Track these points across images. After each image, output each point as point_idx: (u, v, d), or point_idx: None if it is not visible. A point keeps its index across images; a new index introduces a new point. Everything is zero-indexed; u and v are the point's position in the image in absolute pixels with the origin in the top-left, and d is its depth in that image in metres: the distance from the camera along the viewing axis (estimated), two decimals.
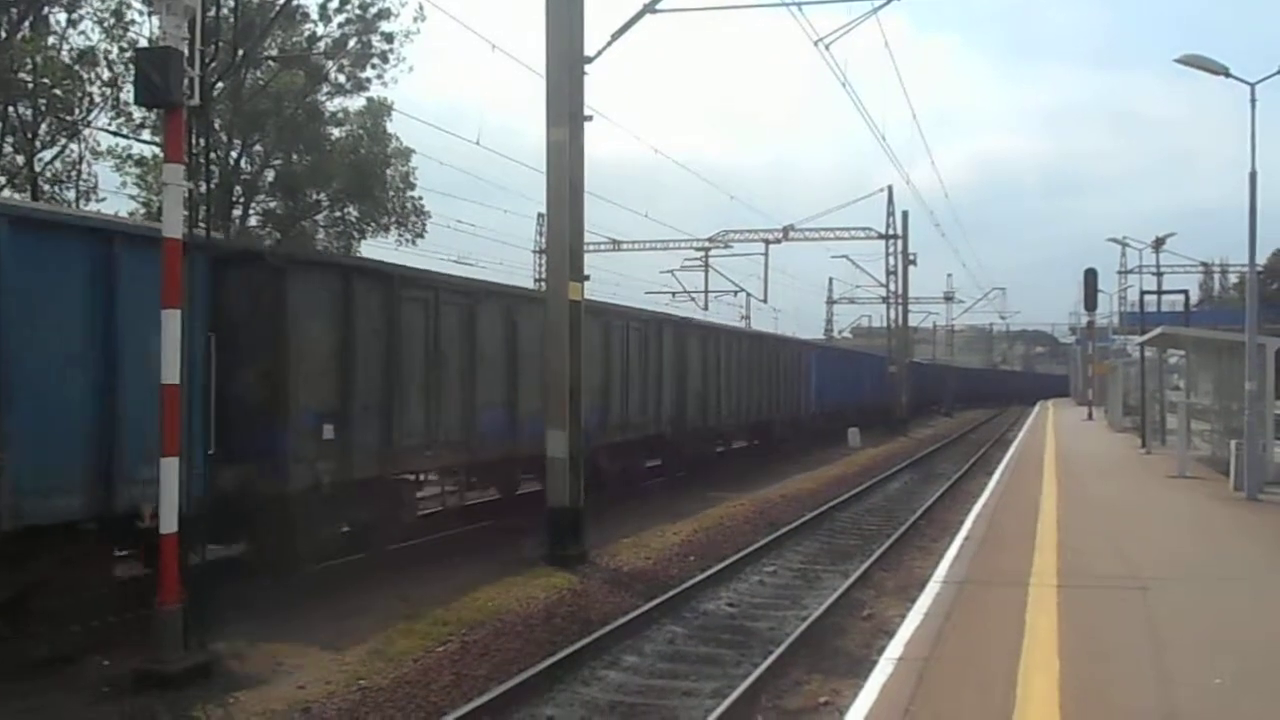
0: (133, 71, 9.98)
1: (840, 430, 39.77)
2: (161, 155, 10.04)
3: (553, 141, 15.06)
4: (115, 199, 29.45)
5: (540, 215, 42.15)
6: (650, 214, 58.49)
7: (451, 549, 14.82)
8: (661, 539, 16.84)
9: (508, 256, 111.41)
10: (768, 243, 52.00)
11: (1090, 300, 45.41)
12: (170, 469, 9.09)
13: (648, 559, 15.34)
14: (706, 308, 54.22)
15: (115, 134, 29.13)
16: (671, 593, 12.83)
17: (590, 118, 15.44)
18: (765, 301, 56.71)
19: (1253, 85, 17.73)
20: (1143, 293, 42.54)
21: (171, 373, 9.18)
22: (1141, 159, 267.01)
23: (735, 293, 57.60)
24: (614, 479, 20.42)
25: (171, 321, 9.19)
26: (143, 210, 29.14)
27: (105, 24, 28.43)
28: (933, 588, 10.77)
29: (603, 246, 49.02)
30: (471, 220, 67.20)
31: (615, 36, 15.77)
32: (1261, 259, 49.35)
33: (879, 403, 50.46)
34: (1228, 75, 18.01)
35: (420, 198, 35.57)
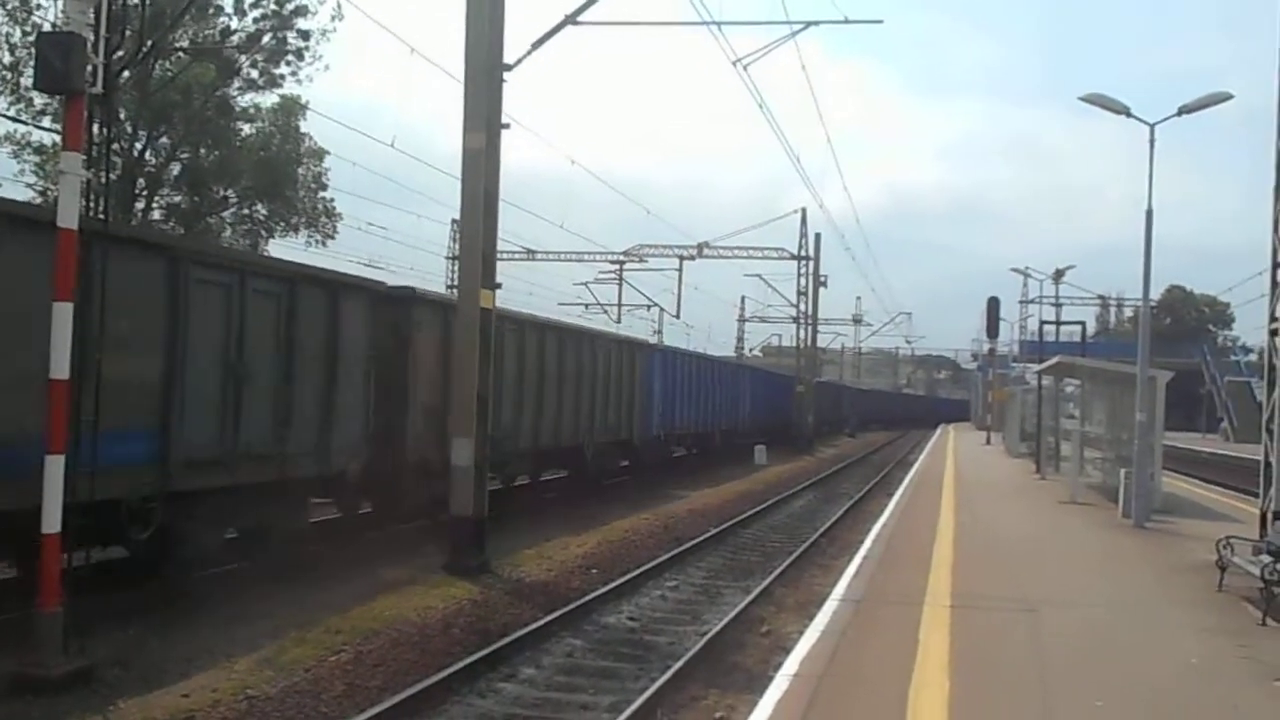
0: (34, 56, 9.64)
1: (747, 447, 40.17)
2: (61, 143, 9.70)
3: (469, 148, 14.94)
4: (11, 186, 28.48)
5: (454, 221, 41.77)
6: (566, 225, 58.39)
7: (349, 557, 14.56)
8: (565, 551, 16.77)
9: (419, 262, 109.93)
10: (682, 259, 52.24)
11: (992, 328, 46.57)
12: (55, 466, 8.78)
13: (550, 570, 15.26)
14: (619, 321, 54.27)
15: (14, 120, 28.23)
16: (572, 605, 12.77)
17: (508, 125, 15.37)
18: (678, 317, 56.95)
19: (1152, 126, 18.35)
20: (1042, 323, 43.86)
21: (61, 368, 8.88)
22: (1043, 192, 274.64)
23: (648, 307, 57.76)
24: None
25: (63, 314, 8.89)
26: (39, 198, 28.20)
27: (9, 6, 27.56)
28: (831, 605, 10.90)
29: (517, 255, 48.80)
30: (384, 224, 66.25)
31: (536, 46, 15.73)
32: (1155, 294, 51.24)
33: (785, 421, 51.06)
34: (1129, 115, 18.61)
35: (332, 199, 35.12)
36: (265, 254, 30.37)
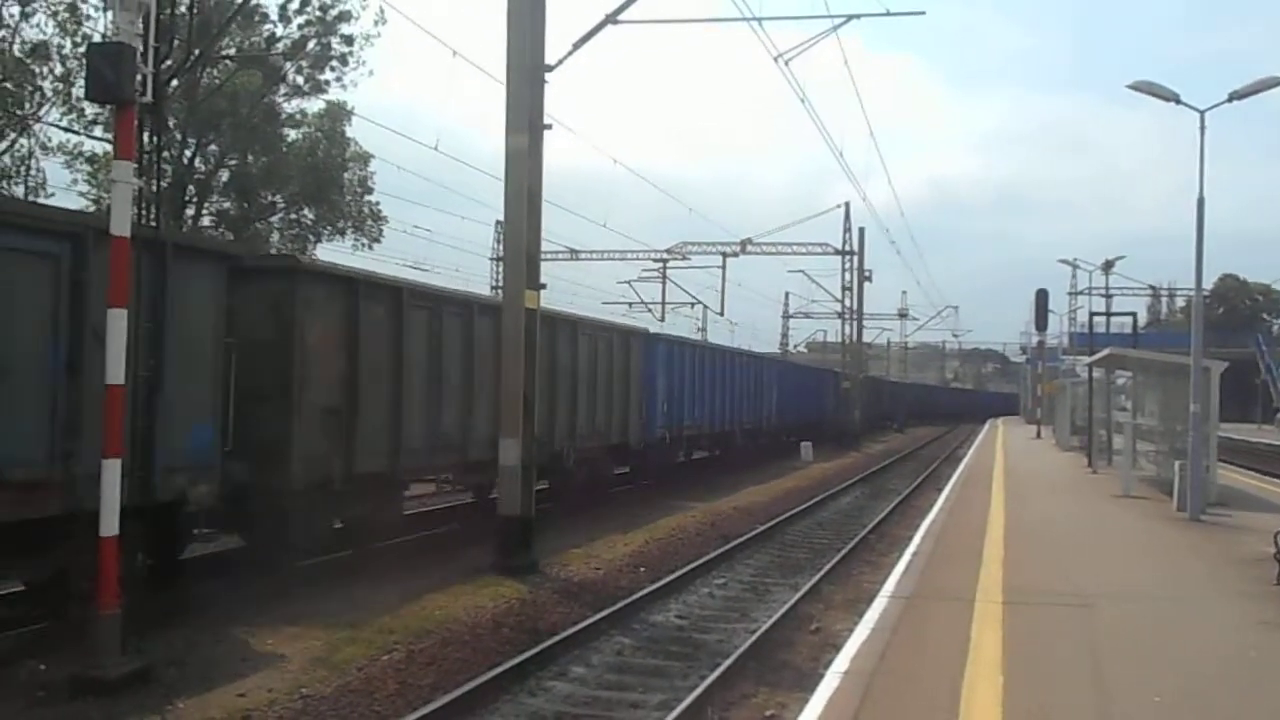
0: (85, 66, 9.81)
1: (794, 443, 40.02)
2: (112, 152, 9.85)
3: (512, 149, 15.02)
4: (65, 195, 29.02)
5: (498, 222, 42.06)
6: (608, 224, 58.33)
7: (400, 557, 14.69)
8: (612, 550, 16.80)
9: (464, 263, 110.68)
10: (725, 255, 52.13)
11: (1041, 320, 46.15)
12: (112, 470, 8.93)
13: (598, 569, 15.30)
14: (663, 319, 54.27)
15: (66, 130, 28.76)
16: (621, 604, 12.79)
17: (550, 126, 15.44)
18: (722, 314, 56.83)
19: (1202, 113, 18.04)
20: (1092, 314, 43.32)
21: (117, 373, 9.02)
22: (1085, 180, 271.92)
23: (692, 305, 57.72)
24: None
25: (117, 320, 9.03)
26: (92, 207, 28.71)
27: (59, 18, 28.06)
28: (880, 602, 10.82)
29: (561, 255, 49.01)
30: (428, 226, 66.77)
31: (576, 46, 15.77)
32: (1208, 283, 50.37)
33: (832, 417, 50.76)
34: (1178, 102, 18.31)
35: (378, 203, 35.44)
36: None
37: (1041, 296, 44.18)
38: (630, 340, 24.83)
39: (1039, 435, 50.88)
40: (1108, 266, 48.33)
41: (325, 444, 13.20)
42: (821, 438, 43.24)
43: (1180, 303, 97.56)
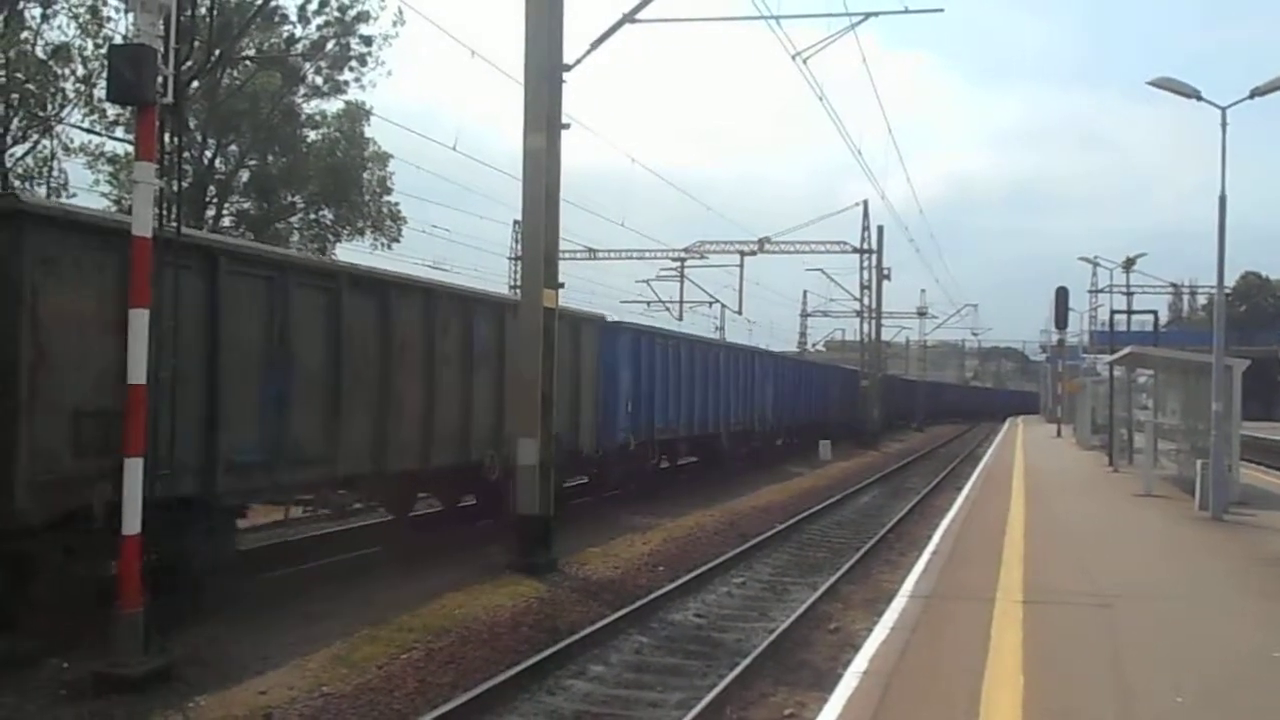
0: (106, 68, 9.87)
1: (793, 447, 39.85)
2: (134, 153, 9.91)
3: (530, 149, 15.04)
4: (87, 196, 29.23)
5: (516, 222, 42.07)
6: (626, 223, 58.47)
7: (419, 556, 14.73)
8: (631, 549, 16.81)
9: (482, 263, 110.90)
10: (743, 254, 52.05)
11: (1061, 318, 45.85)
12: (134, 469, 8.99)
13: (616, 568, 15.31)
14: (681, 318, 54.26)
15: (88, 131, 28.97)
16: (639, 603, 12.79)
17: (568, 125, 15.45)
18: (740, 313, 56.79)
19: (1224, 109, 17.93)
20: (1113, 312, 43.16)
21: (139, 373, 9.09)
22: (1108, 179, 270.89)
23: (710, 304, 57.67)
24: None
25: (139, 320, 9.09)
26: (114, 208, 28.90)
27: (80, 19, 28.26)
28: (899, 602, 10.79)
29: (579, 255, 49.02)
30: (447, 225, 67.00)
31: (594, 45, 15.79)
32: (1230, 281, 50.04)
33: (846, 417, 50.53)
34: (1199, 99, 18.19)
35: (397, 203, 35.54)
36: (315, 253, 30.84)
37: (1061, 294, 43.88)
38: (581, 328, 20.34)
39: (1059, 434, 50.61)
40: (1128, 265, 48.04)
41: (80, 461, 9.62)
42: (831, 438, 42.83)
43: (1202, 300, 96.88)
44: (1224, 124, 17.80)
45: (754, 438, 34.60)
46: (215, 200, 32.22)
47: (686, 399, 26.94)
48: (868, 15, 18.15)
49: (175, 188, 9.95)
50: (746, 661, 10.37)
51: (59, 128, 28.20)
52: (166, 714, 8.43)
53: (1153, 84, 18.56)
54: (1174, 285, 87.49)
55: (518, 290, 23.84)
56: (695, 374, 27.73)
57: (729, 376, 31.10)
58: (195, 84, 14.52)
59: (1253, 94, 18.01)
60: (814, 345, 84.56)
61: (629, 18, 15.97)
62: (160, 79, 9.16)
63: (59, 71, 27.62)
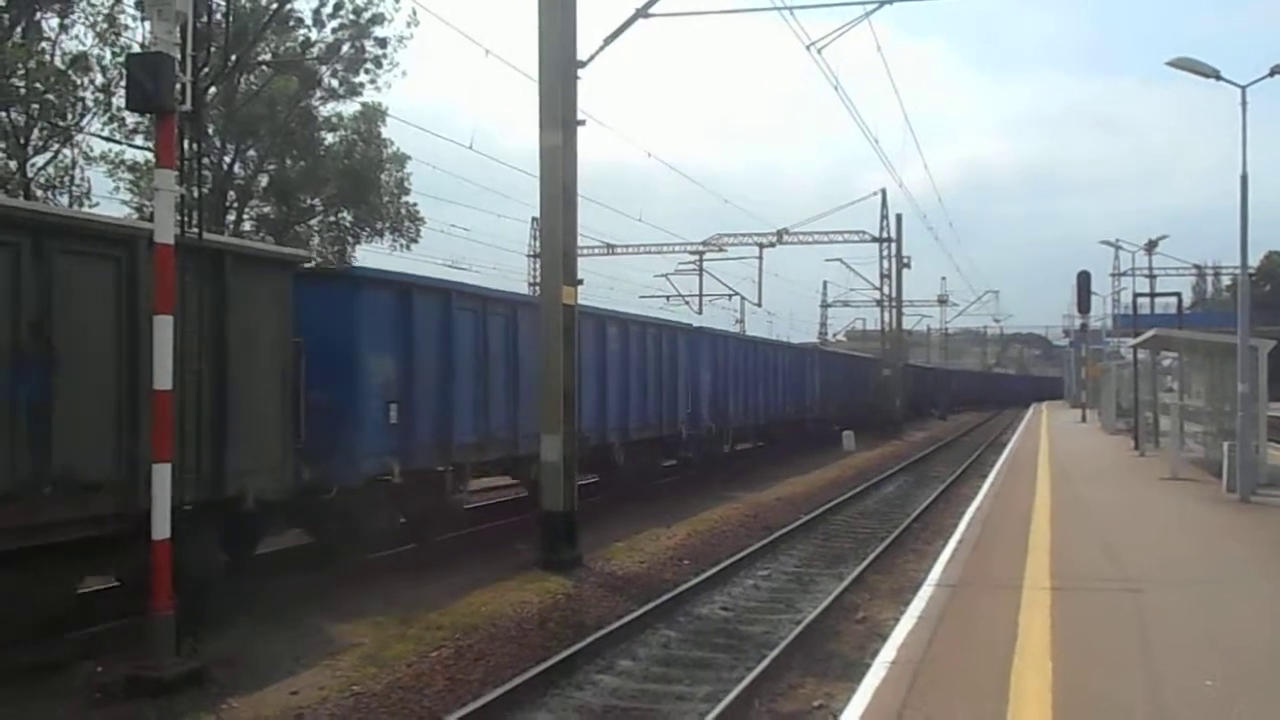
0: (125, 76, 9.94)
1: (837, 433, 39.84)
2: (154, 160, 9.99)
3: (546, 146, 15.06)
4: (108, 204, 29.43)
5: (534, 219, 42.16)
6: (644, 217, 58.28)
7: (445, 553, 14.81)
8: (655, 543, 16.84)
9: (501, 261, 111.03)
10: (761, 246, 52.06)
11: (1083, 303, 45.50)
12: (163, 475, 9.07)
13: (641, 563, 15.34)
14: (701, 311, 54.29)
15: (108, 139, 29.09)
16: (665, 597, 12.81)
17: (583, 122, 15.46)
18: (760, 305, 56.79)
19: (1243, 88, 17.78)
20: (1136, 295, 42.74)
21: (165, 379, 9.16)
22: (1123, 162, 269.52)
23: (729, 296, 57.69)
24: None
25: (164, 327, 9.17)
26: (135, 215, 29.10)
27: (98, 29, 28.34)
28: (926, 591, 10.78)
29: (597, 250, 49.08)
30: (464, 224, 67.14)
31: (608, 41, 15.78)
32: (1253, 261, 49.57)
33: (875, 406, 50.40)
34: (1218, 78, 18.06)
35: (415, 204, 35.62)
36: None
37: (1083, 279, 43.53)
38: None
39: (1084, 419, 50.34)
40: (1150, 247, 47.63)
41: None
42: (865, 426, 42.78)
43: (1226, 281, 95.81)
44: (1244, 103, 17.68)
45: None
46: (235, 205, 32.38)
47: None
48: (882, 3, 18.06)
49: (196, 194, 10.00)
50: (774, 653, 10.37)
51: (79, 137, 28.35)
52: (198, 716, 8.51)
53: (1172, 64, 18.44)
54: (1197, 267, 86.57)
55: (536, 288, 23.86)
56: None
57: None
58: (213, 90, 14.62)
59: (1273, 71, 17.86)
60: (835, 335, 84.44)
61: (642, 13, 15.96)
62: (178, 86, 9.22)
63: (78, 81, 27.73)
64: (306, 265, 14.26)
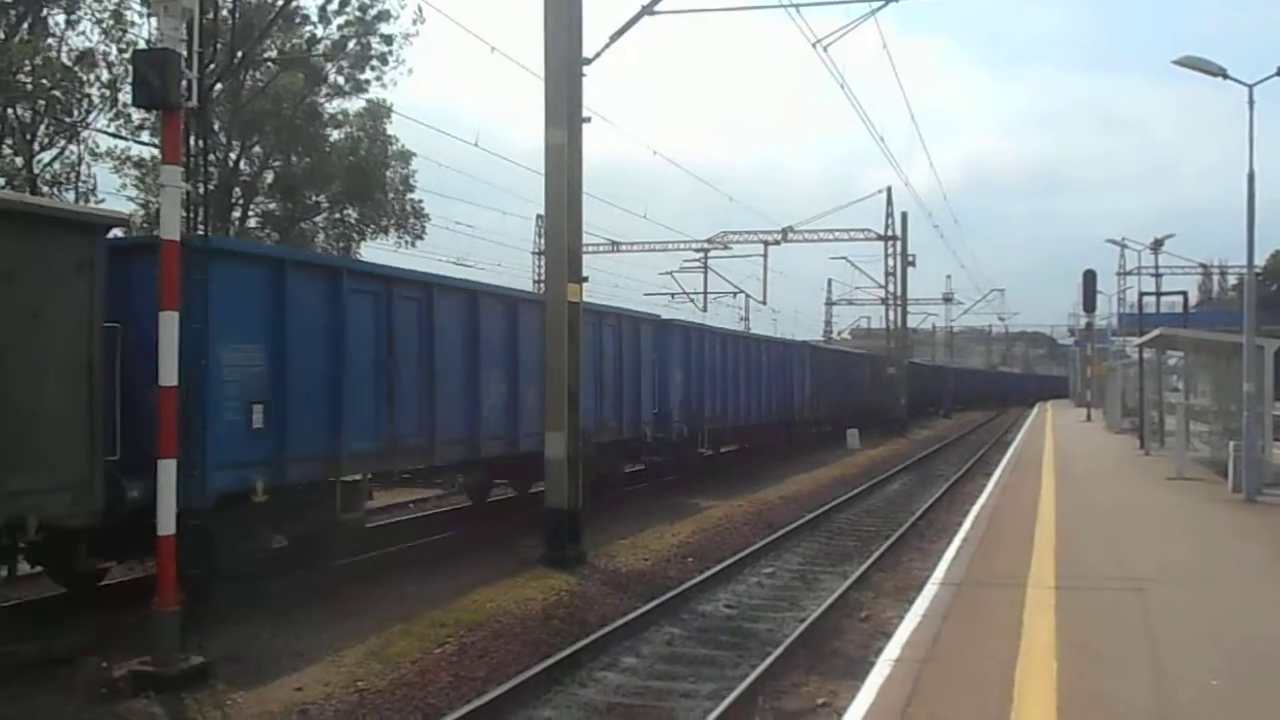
0: (131, 73, 9.96)
1: (829, 435, 39.73)
2: (160, 157, 9.99)
3: (551, 143, 15.06)
4: (114, 200, 29.46)
5: (539, 217, 42.17)
6: (649, 215, 58.40)
7: (450, 550, 14.82)
8: (660, 540, 16.84)
9: (506, 258, 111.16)
10: (766, 244, 52.07)
11: (1089, 302, 45.49)
12: (168, 470, 9.09)
13: (646, 560, 15.34)
14: (705, 309, 54.29)
15: (114, 135, 29.13)
16: (670, 594, 12.82)
17: (589, 119, 15.46)
18: (764, 303, 56.76)
19: (1251, 87, 17.76)
20: (1141, 294, 42.66)
21: (170, 375, 9.17)
22: (1128, 160, 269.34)
23: (734, 294, 57.68)
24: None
25: (169, 323, 9.18)
26: (141, 211, 29.13)
27: (104, 25, 28.39)
28: (930, 589, 10.77)
29: (601, 248, 49.07)
30: (469, 221, 67.10)
31: (614, 38, 15.79)
32: (1260, 260, 49.39)
33: (877, 404, 50.36)
34: (1225, 77, 18.02)
35: (420, 200, 35.63)
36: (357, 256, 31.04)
37: (1089, 277, 43.56)
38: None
39: (1089, 418, 50.25)
40: (1156, 246, 47.62)
41: None
42: (866, 425, 42.63)
43: (1232, 280, 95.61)
44: (1251, 101, 17.67)
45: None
46: (241, 202, 32.41)
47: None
48: (888, 0, 18.03)
49: (202, 190, 10.01)
50: (778, 651, 10.37)
51: (85, 133, 28.41)
52: (205, 711, 8.53)
53: (1178, 63, 18.41)
54: (1203, 265, 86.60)
55: (541, 285, 23.77)
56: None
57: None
58: (219, 87, 14.61)
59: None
60: (840, 333, 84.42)
61: (648, 9, 15.96)
62: (184, 83, 9.22)
63: (84, 77, 27.77)
64: (124, 233, 12.17)
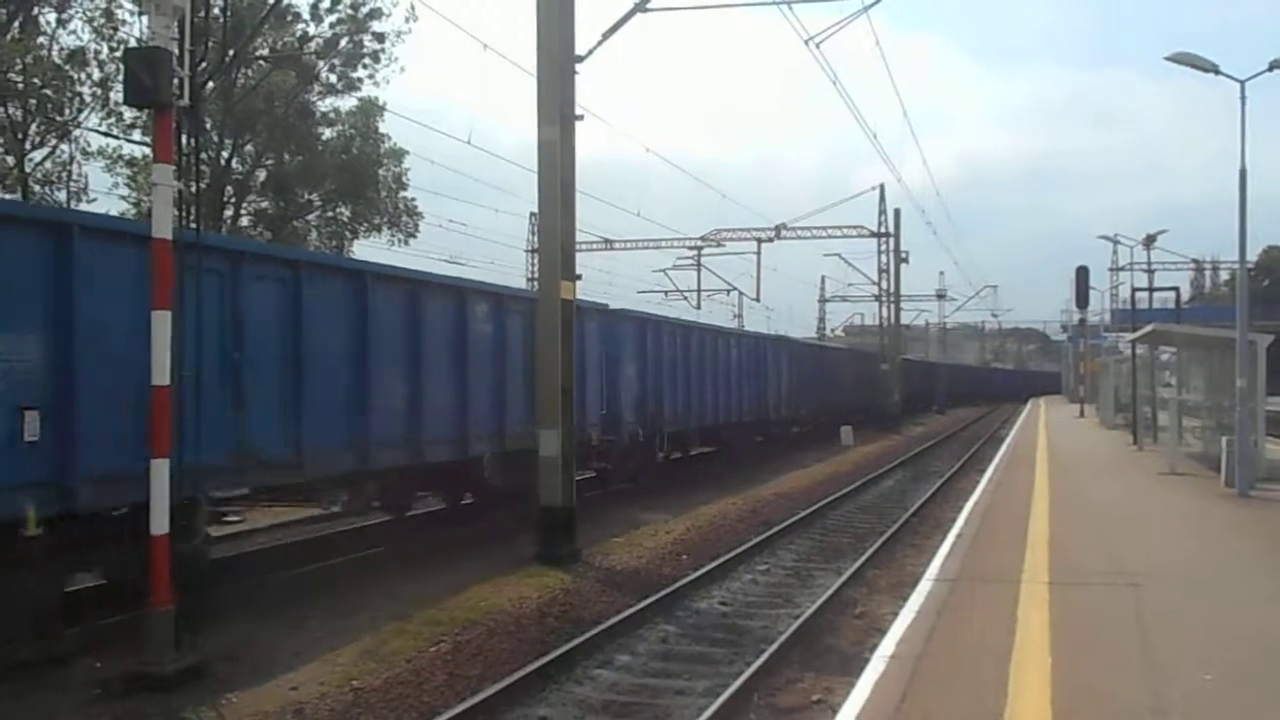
0: (122, 72, 9.93)
1: (833, 428, 39.83)
2: (152, 156, 9.97)
3: (544, 141, 15.05)
4: (106, 199, 29.39)
5: (533, 214, 42.11)
6: (642, 212, 58.39)
7: (444, 549, 14.81)
8: (654, 538, 16.84)
9: (500, 256, 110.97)
10: (760, 241, 52.03)
11: (1082, 298, 45.50)
12: (160, 469, 9.06)
13: (640, 558, 15.35)
14: (699, 306, 54.29)
15: (106, 134, 29.08)
16: (664, 592, 12.82)
17: (581, 117, 15.47)
18: (758, 300, 56.74)
19: (1243, 83, 17.80)
20: (1134, 290, 42.75)
21: (162, 374, 9.14)
22: (1121, 156, 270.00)
23: (728, 291, 57.68)
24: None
25: (162, 323, 9.15)
26: (133, 211, 29.05)
27: (95, 24, 28.35)
28: (925, 585, 10.77)
29: (595, 245, 49.03)
30: (462, 219, 67.02)
31: (606, 36, 15.77)
32: (1252, 255, 49.60)
33: (866, 402, 50.33)
34: (1217, 73, 18.06)
35: (413, 199, 35.58)
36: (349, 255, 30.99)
37: (1082, 274, 43.53)
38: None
39: (1082, 414, 50.37)
40: (1149, 241, 47.63)
41: None
42: (856, 423, 42.53)
43: (1224, 276, 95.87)
44: (1243, 97, 17.74)
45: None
46: (233, 200, 32.34)
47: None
48: None
49: (194, 189, 9.99)
50: (773, 648, 10.38)
51: (77, 132, 28.35)
52: (199, 711, 8.51)
53: (1170, 59, 18.44)
54: (1195, 261, 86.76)
55: (535, 283, 23.71)
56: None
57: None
58: (210, 85, 14.55)
59: (1272, 66, 17.88)
60: (833, 330, 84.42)
61: (640, 7, 15.94)
62: (176, 81, 9.21)
63: (75, 76, 27.71)
64: None
